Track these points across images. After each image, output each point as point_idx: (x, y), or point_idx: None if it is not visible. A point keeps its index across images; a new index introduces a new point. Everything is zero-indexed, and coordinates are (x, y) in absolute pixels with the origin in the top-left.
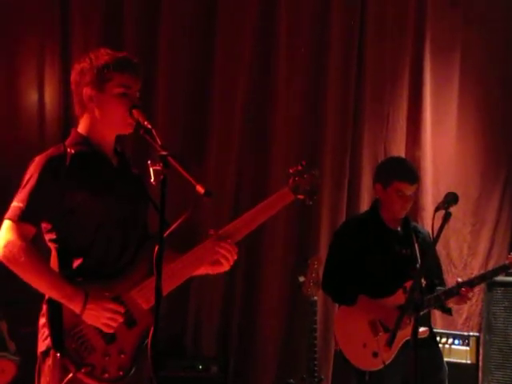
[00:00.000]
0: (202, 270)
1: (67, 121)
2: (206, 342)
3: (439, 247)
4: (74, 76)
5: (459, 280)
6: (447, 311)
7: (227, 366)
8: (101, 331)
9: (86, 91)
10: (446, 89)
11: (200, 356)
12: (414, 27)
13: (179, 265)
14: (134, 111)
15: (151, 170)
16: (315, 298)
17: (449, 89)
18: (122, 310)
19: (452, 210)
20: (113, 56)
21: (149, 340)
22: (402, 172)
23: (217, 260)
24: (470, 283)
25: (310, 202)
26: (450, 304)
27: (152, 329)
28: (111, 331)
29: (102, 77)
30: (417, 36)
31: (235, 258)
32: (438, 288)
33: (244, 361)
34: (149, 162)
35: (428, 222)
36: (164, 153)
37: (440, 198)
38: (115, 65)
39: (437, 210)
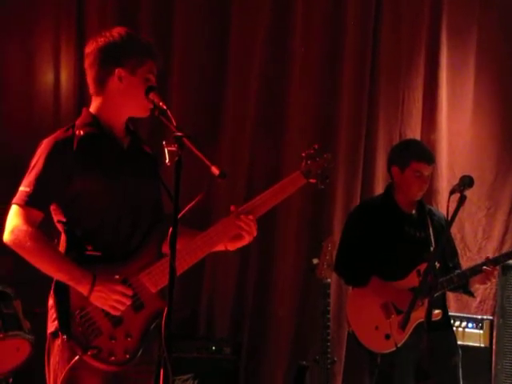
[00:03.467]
0: (221, 246)
1: (82, 100)
2: (219, 324)
3: (454, 230)
4: (98, 52)
5: (489, 256)
6: (469, 293)
7: (240, 347)
8: (108, 314)
9: (119, 71)
10: (461, 72)
11: (213, 337)
12: (430, 10)
13: (199, 241)
14: (151, 93)
15: (166, 150)
16: (329, 280)
17: (464, 72)
18: (129, 292)
19: (467, 193)
20: (148, 42)
21: (162, 321)
22: (420, 152)
23: (238, 234)
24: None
25: (322, 186)
26: (476, 284)
27: (166, 310)
28: (118, 313)
29: (137, 60)
30: (433, 19)
31: (255, 234)
32: (457, 271)
33: (257, 342)
34: (164, 142)
35: (443, 205)
36: (179, 134)
37: (455, 182)
38: (150, 51)
39: (452, 192)
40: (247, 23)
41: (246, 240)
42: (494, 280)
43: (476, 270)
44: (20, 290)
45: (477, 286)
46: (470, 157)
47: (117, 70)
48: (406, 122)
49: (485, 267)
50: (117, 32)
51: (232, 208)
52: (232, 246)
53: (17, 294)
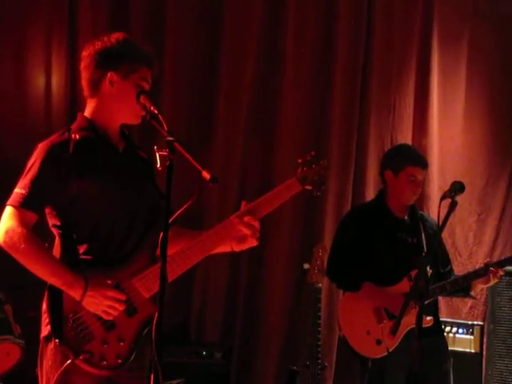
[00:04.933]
0: (226, 247)
1: (74, 104)
2: (210, 329)
3: (445, 235)
4: (94, 55)
5: (487, 261)
6: (470, 297)
7: (231, 352)
8: (100, 318)
9: (111, 75)
10: (453, 77)
11: (204, 342)
12: (421, 16)
13: (192, 246)
14: (142, 96)
15: (157, 155)
16: (320, 285)
17: (456, 77)
18: (122, 297)
19: (458, 198)
20: (146, 50)
21: (153, 326)
22: (414, 157)
23: (241, 236)
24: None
25: (318, 193)
26: (478, 285)
27: (156, 315)
28: (111, 318)
29: (131, 66)
30: (424, 25)
31: (257, 235)
32: (454, 275)
33: (248, 347)
34: (155, 147)
35: (434, 210)
36: (170, 138)
37: (446, 187)
38: (146, 58)
39: (443, 198)
40: (239, 28)
41: (253, 242)
42: (496, 279)
43: (469, 278)
44: (13, 294)
45: (480, 286)
46: (461, 162)
47: (109, 74)
48: (398, 127)
49: (491, 268)
50: (115, 37)
51: (243, 204)
52: (238, 247)
53: (7, 298)
